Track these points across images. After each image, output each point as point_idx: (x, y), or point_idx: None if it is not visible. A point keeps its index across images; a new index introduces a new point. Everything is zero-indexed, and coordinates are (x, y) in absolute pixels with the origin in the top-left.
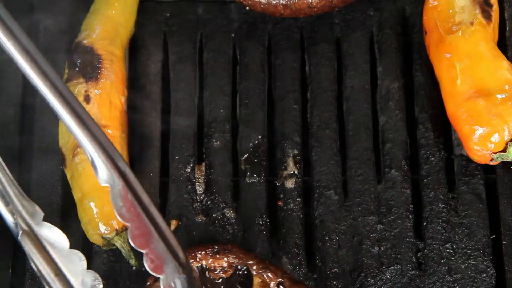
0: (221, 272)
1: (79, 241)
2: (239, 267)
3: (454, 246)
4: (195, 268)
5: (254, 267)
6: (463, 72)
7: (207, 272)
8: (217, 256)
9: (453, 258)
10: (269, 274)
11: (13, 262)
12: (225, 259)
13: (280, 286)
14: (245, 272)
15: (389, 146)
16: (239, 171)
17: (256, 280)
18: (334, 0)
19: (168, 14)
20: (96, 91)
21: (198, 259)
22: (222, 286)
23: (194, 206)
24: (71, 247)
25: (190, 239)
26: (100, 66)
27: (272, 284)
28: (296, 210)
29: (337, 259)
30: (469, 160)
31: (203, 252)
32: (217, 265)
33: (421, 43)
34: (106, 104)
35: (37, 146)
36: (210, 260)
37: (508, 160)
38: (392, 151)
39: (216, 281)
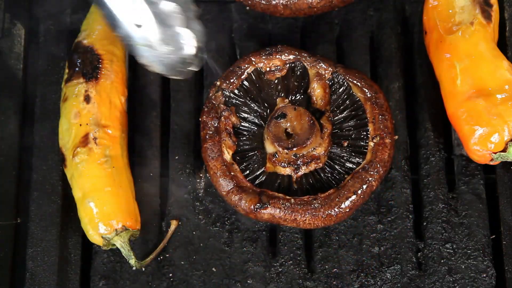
0: (277, 72)
1: (79, 241)
2: (292, 64)
3: (454, 246)
4: None
5: (308, 60)
6: (463, 72)
7: (263, 75)
8: (271, 56)
9: (453, 258)
10: (323, 65)
11: (13, 262)
12: (278, 57)
13: (335, 74)
14: (300, 67)
15: None
16: None
17: (312, 72)
18: (334, 0)
19: None
20: (96, 91)
21: (253, 63)
22: (280, 86)
23: (194, 206)
24: (71, 247)
25: (190, 239)
26: (100, 66)
27: (326, 74)
28: None
29: (337, 259)
30: (469, 160)
31: (257, 55)
32: (272, 65)
33: (421, 43)
34: (106, 104)
35: (37, 146)
36: (265, 62)
37: (508, 160)
38: None
39: (273, 82)
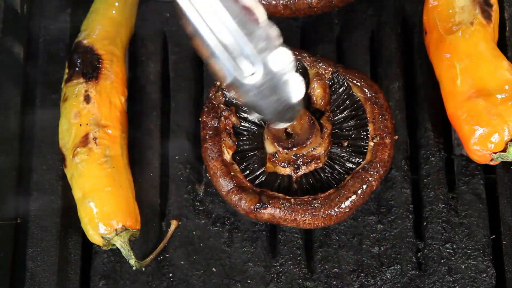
0: None
1: (79, 241)
2: None
3: (454, 246)
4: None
5: (308, 60)
6: (463, 72)
7: None
8: None
9: (453, 258)
10: (322, 65)
11: (13, 262)
12: None
13: (335, 74)
14: (300, 67)
15: None
16: None
17: (311, 72)
18: (334, 0)
19: (168, 14)
20: (96, 91)
21: None
22: None
23: (194, 206)
24: (71, 247)
25: (190, 239)
26: (100, 66)
27: (326, 74)
28: None
29: (337, 259)
30: (469, 160)
31: None
32: None
33: (421, 43)
34: (106, 104)
35: (37, 146)
36: None
37: (508, 160)
38: None
39: None
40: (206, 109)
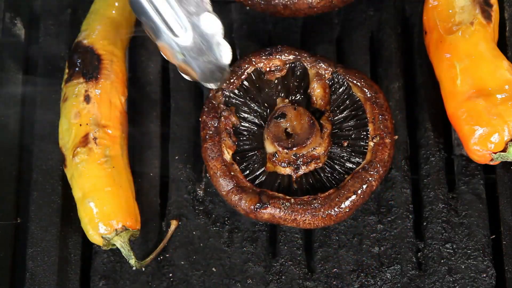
0: (277, 72)
1: (79, 241)
2: (292, 64)
3: (454, 246)
4: None
5: (308, 60)
6: (463, 72)
7: (263, 76)
8: (271, 56)
9: (453, 258)
10: (322, 65)
11: (13, 262)
12: (278, 57)
13: (335, 74)
14: (300, 67)
15: None
16: None
17: (312, 72)
18: (334, 0)
19: None
20: (96, 91)
21: (253, 63)
22: (280, 86)
23: (194, 206)
24: (71, 247)
25: (190, 239)
26: (100, 66)
27: (326, 74)
28: None
29: (337, 259)
30: (469, 160)
31: (257, 56)
32: (272, 65)
33: (421, 43)
34: (106, 104)
35: (37, 146)
36: (265, 62)
37: (508, 160)
38: None
39: (273, 82)
40: (206, 109)
